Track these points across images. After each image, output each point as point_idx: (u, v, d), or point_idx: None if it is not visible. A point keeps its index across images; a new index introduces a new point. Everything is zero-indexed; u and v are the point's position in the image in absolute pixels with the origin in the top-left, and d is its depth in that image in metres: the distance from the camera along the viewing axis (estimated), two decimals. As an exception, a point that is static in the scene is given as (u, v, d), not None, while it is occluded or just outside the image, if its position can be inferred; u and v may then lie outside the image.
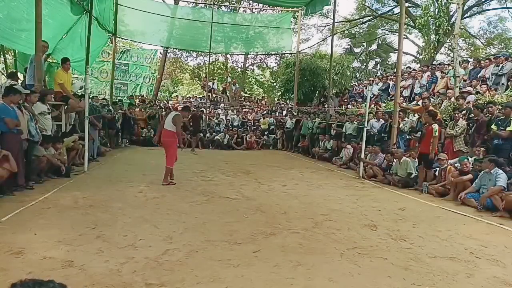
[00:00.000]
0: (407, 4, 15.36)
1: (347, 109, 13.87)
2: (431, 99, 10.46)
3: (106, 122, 10.73)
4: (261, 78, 29.08)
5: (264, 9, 19.07)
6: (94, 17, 11.25)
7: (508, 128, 6.77)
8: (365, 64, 25.87)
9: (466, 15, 20.49)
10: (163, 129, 6.78)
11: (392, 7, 23.09)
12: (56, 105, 7.76)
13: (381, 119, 10.27)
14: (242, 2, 23.49)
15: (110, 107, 11.81)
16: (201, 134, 13.99)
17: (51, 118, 6.97)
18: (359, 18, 25.41)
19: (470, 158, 6.97)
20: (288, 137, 14.83)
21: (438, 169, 7.18)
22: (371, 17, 24.62)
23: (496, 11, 22.28)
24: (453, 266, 3.40)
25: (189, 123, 12.95)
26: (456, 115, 8.04)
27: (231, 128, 15.22)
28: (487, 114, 7.71)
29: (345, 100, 16.42)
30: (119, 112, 12.47)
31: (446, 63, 12.64)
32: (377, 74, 19.18)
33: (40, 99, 6.69)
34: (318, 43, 22.38)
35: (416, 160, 7.71)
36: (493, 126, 7.10)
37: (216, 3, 17.84)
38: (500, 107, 7.55)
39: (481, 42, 24.04)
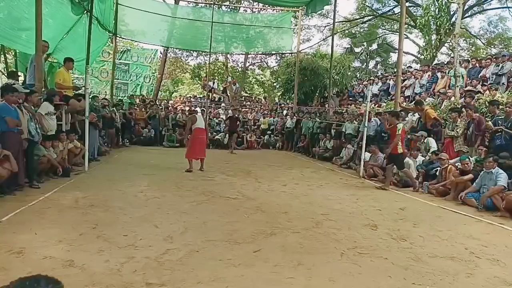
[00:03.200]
0: (407, 4, 15.34)
1: (347, 108, 13.86)
2: (432, 98, 10.46)
3: (106, 122, 10.73)
4: (261, 78, 29.06)
5: (264, 9, 19.06)
6: (95, 17, 11.25)
7: None
8: (365, 63, 25.87)
9: (466, 15, 20.48)
10: (200, 128, 8.29)
11: (393, 7, 23.09)
12: (56, 105, 7.77)
13: (372, 120, 10.15)
14: (242, 1, 23.47)
15: (113, 108, 11.83)
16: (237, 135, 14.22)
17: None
18: (359, 18, 25.39)
19: (471, 158, 6.98)
20: (288, 137, 14.84)
21: (438, 169, 7.18)
22: (372, 16, 24.60)
23: (496, 11, 22.31)
24: (453, 266, 3.40)
25: (227, 124, 14.16)
26: (452, 115, 8.03)
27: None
28: (488, 113, 7.69)
29: (346, 99, 16.43)
30: (120, 111, 12.48)
31: (446, 63, 12.63)
32: (378, 74, 19.17)
33: (48, 99, 6.73)
34: (318, 42, 22.37)
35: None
36: (490, 123, 7.07)
37: (216, 2, 17.86)
38: (501, 107, 7.53)
39: (482, 42, 24.02)
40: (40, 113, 6.37)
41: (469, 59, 12.87)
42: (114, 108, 11.95)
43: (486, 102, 8.30)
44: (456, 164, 6.94)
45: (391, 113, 7.93)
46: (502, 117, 7.01)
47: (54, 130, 6.81)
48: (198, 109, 15.16)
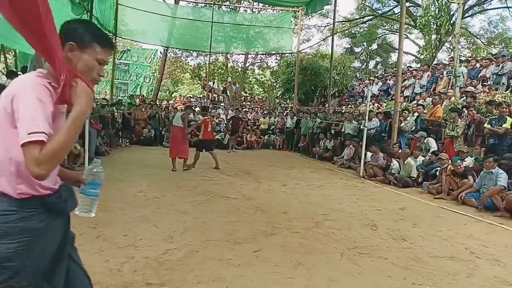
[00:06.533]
0: (407, 4, 15.34)
1: (350, 108, 13.87)
2: (431, 98, 10.45)
3: (106, 122, 10.73)
4: (261, 78, 29.07)
5: (264, 9, 19.07)
6: (95, 17, 11.25)
7: (504, 125, 6.78)
8: (365, 63, 25.87)
9: (467, 15, 20.48)
10: (174, 126, 8.39)
11: (393, 7, 23.09)
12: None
13: (373, 119, 10.19)
14: (242, 1, 23.48)
15: (114, 108, 11.83)
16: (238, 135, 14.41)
17: None
18: (359, 18, 25.39)
19: (470, 158, 7.00)
20: (288, 137, 14.85)
21: (438, 169, 7.18)
22: (372, 16, 24.60)
23: (497, 11, 22.31)
24: (453, 266, 3.40)
25: (228, 124, 14.37)
26: (451, 115, 8.04)
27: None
28: (487, 113, 7.70)
29: (346, 100, 16.44)
30: (119, 111, 12.49)
31: (446, 63, 12.64)
32: (377, 74, 19.17)
33: None
34: (318, 42, 22.38)
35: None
36: (486, 125, 7.12)
37: (216, 2, 17.86)
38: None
39: (482, 42, 24.03)
40: None
41: (469, 59, 12.87)
42: (114, 108, 11.94)
43: (484, 102, 8.31)
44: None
45: (201, 107, 11.31)
46: (496, 117, 7.04)
47: None
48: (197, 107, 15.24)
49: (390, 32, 25.88)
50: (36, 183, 1.31)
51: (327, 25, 25.10)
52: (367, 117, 8.86)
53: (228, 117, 15.68)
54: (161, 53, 20.54)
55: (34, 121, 1.18)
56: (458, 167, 6.43)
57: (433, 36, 16.47)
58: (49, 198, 1.36)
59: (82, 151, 7.61)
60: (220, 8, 20.53)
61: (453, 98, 9.77)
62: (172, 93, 28.44)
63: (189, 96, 22.66)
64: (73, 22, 1.43)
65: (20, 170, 1.28)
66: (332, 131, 11.65)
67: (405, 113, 9.61)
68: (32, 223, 1.30)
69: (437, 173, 7.18)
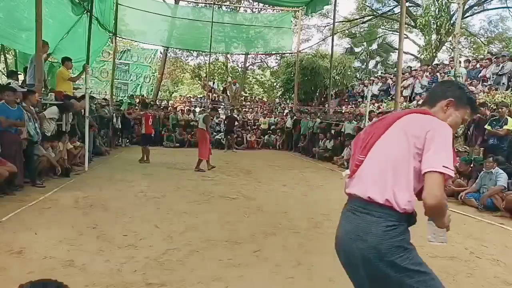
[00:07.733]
0: (407, 4, 15.35)
1: (350, 108, 13.86)
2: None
3: (106, 122, 10.73)
4: (261, 78, 29.06)
5: (264, 9, 19.07)
6: (95, 17, 11.24)
7: (505, 127, 6.78)
8: (365, 63, 25.85)
9: (467, 14, 20.48)
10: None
11: (393, 7, 23.10)
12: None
13: (374, 119, 10.24)
14: (242, 1, 23.48)
15: (111, 108, 11.83)
16: (235, 135, 14.36)
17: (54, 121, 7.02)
18: (359, 18, 25.38)
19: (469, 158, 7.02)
20: (289, 137, 14.85)
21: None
22: (372, 16, 24.59)
23: (497, 10, 22.31)
24: (453, 266, 3.40)
25: (224, 123, 14.45)
26: None
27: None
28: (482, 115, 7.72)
29: (346, 100, 16.44)
30: (119, 111, 12.50)
31: (446, 63, 12.64)
32: (377, 74, 19.16)
33: (60, 107, 6.80)
34: (318, 42, 22.38)
35: None
36: (486, 126, 7.12)
37: (216, 2, 17.84)
38: (494, 107, 7.56)
39: (481, 42, 24.03)
40: (44, 115, 6.36)
41: (470, 59, 12.87)
42: (113, 111, 11.94)
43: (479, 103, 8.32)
44: (456, 164, 6.96)
45: (141, 103, 12.22)
46: (497, 117, 7.05)
47: (50, 132, 6.80)
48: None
49: (390, 32, 25.90)
50: (414, 202, 1.56)
51: (327, 25, 25.09)
52: (367, 117, 8.86)
53: (224, 117, 15.69)
54: (161, 53, 20.54)
55: (449, 159, 1.45)
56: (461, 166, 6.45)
57: (433, 36, 16.47)
58: (412, 214, 1.62)
59: (82, 149, 7.61)
60: (220, 8, 20.50)
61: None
62: (172, 93, 28.43)
63: (189, 96, 22.64)
64: (451, 83, 1.81)
65: (412, 190, 1.55)
66: (332, 131, 11.65)
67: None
68: (407, 236, 1.57)
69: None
